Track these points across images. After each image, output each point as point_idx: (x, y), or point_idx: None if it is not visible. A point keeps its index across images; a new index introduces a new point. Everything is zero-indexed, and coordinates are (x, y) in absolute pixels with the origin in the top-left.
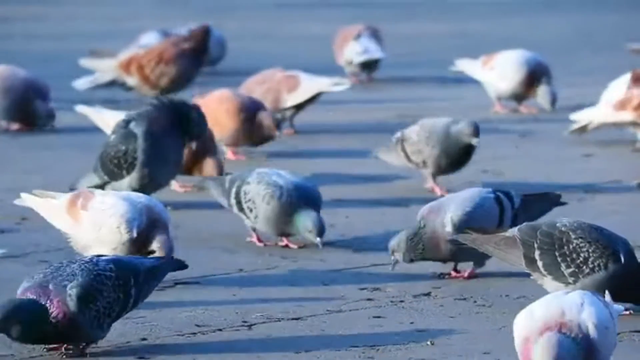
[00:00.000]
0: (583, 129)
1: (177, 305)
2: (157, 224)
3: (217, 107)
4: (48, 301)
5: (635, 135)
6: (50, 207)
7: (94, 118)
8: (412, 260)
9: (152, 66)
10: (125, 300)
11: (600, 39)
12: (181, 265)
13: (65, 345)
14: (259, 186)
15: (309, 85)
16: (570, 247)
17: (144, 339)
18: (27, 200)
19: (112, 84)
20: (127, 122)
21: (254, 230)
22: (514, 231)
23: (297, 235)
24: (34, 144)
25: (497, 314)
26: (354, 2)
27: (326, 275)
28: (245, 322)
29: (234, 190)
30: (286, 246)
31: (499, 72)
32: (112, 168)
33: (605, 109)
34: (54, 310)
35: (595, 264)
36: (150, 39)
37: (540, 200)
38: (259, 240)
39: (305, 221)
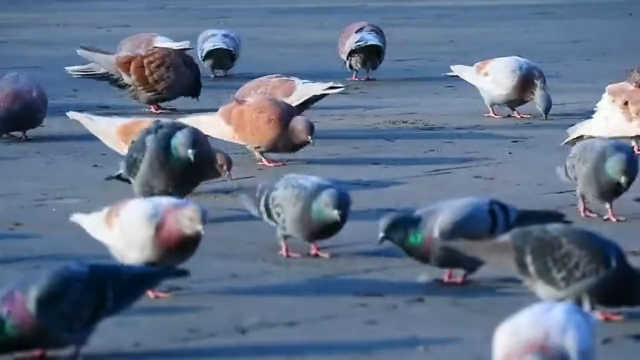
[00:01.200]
0: (579, 139)
1: (170, 310)
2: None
3: (257, 115)
4: (13, 307)
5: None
6: (92, 221)
7: (86, 124)
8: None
9: (153, 68)
10: (100, 304)
11: (592, 46)
12: (181, 273)
13: (42, 353)
14: (286, 191)
15: (304, 89)
16: (562, 252)
17: (137, 344)
18: (80, 220)
19: (105, 77)
20: (148, 132)
21: (285, 238)
22: (505, 237)
23: (319, 219)
24: (25, 150)
25: (490, 320)
26: (347, 8)
27: (320, 281)
28: (238, 327)
29: (263, 198)
30: (316, 255)
31: (492, 78)
32: (127, 169)
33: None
34: (16, 315)
35: (587, 268)
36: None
37: (540, 218)
38: (287, 252)
39: (321, 197)
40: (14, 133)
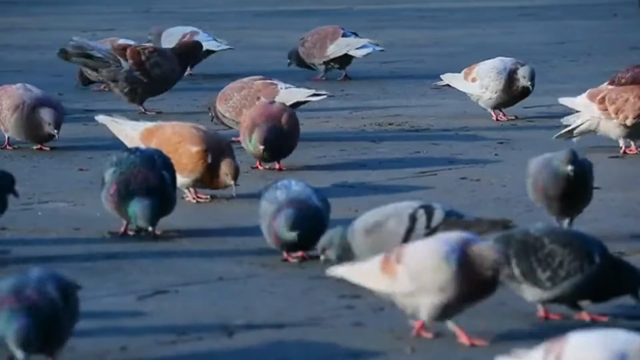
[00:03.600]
0: (570, 133)
1: (156, 313)
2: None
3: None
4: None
5: (618, 142)
6: (361, 271)
7: (112, 127)
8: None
9: (147, 54)
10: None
11: (577, 47)
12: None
13: None
14: (263, 201)
15: (287, 94)
16: (545, 252)
17: (123, 348)
18: (343, 272)
19: (103, 61)
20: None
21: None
22: (487, 242)
23: (281, 238)
24: (10, 154)
25: (475, 319)
26: (332, 10)
27: (306, 283)
28: (225, 330)
29: (261, 204)
30: (286, 260)
31: (480, 83)
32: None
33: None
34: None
35: (571, 266)
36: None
37: (476, 226)
38: (287, 255)
39: (280, 218)
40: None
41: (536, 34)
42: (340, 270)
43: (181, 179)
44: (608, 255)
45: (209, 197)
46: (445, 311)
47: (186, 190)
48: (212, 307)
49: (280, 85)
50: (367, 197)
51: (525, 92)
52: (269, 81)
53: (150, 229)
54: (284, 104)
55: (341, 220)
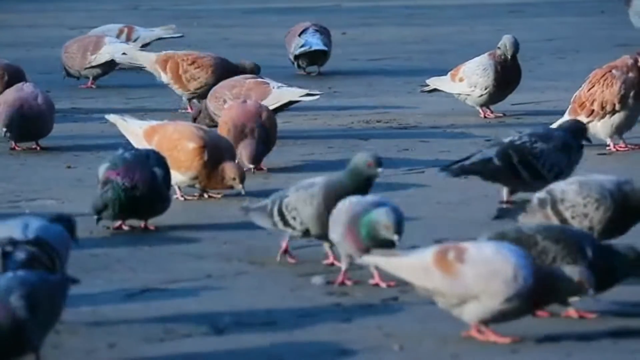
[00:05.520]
0: None
1: (144, 311)
2: None
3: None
4: None
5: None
6: (409, 263)
7: (120, 126)
8: None
9: (185, 67)
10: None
11: (565, 44)
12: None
13: None
14: (298, 193)
15: (280, 94)
16: (538, 248)
17: (111, 346)
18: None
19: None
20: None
21: (289, 239)
22: (481, 240)
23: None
24: None
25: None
26: (321, 8)
27: (294, 281)
28: (214, 328)
29: (275, 208)
30: (331, 264)
31: (468, 82)
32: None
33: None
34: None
35: (564, 262)
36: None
37: None
38: (286, 252)
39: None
40: (26, 144)
41: (525, 31)
42: (376, 259)
43: (179, 177)
44: (600, 247)
45: (196, 195)
46: (498, 318)
47: (176, 188)
48: (201, 305)
49: (273, 84)
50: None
51: (516, 72)
52: (261, 80)
53: (143, 224)
54: (259, 103)
55: None
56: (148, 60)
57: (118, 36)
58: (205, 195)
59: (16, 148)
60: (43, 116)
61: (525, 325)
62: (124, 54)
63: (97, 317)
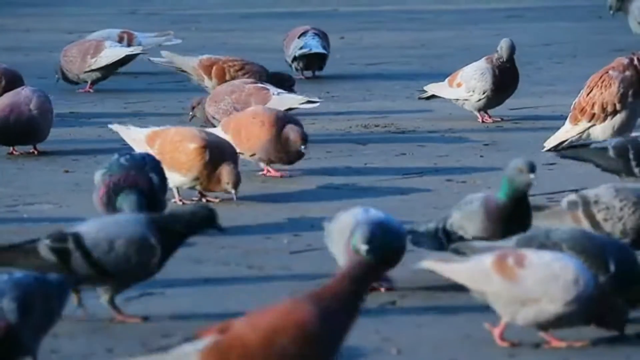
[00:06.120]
0: (557, 147)
1: (143, 315)
2: None
3: (250, 120)
4: None
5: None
6: (454, 267)
7: (123, 134)
8: None
9: (233, 73)
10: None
11: (563, 49)
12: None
13: None
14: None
15: (279, 100)
16: None
17: (109, 350)
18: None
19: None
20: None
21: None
22: (509, 243)
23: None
24: None
25: (463, 321)
26: (320, 13)
27: (293, 285)
28: None
29: (439, 229)
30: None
31: (466, 86)
32: None
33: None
34: None
35: None
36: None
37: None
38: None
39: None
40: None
41: (522, 35)
42: (434, 265)
43: (181, 178)
44: (626, 262)
45: (195, 199)
46: (554, 323)
47: (175, 192)
48: (199, 309)
49: (273, 90)
50: (353, 199)
51: (513, 76)
52: (261, 86)
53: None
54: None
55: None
56: (188, 64)
57: (119, 42)
58: (204, 200)
59: (14, 152)
60: (34, 121)
61: (522, 330)
62: (147, 56)
63: (94, 321)
